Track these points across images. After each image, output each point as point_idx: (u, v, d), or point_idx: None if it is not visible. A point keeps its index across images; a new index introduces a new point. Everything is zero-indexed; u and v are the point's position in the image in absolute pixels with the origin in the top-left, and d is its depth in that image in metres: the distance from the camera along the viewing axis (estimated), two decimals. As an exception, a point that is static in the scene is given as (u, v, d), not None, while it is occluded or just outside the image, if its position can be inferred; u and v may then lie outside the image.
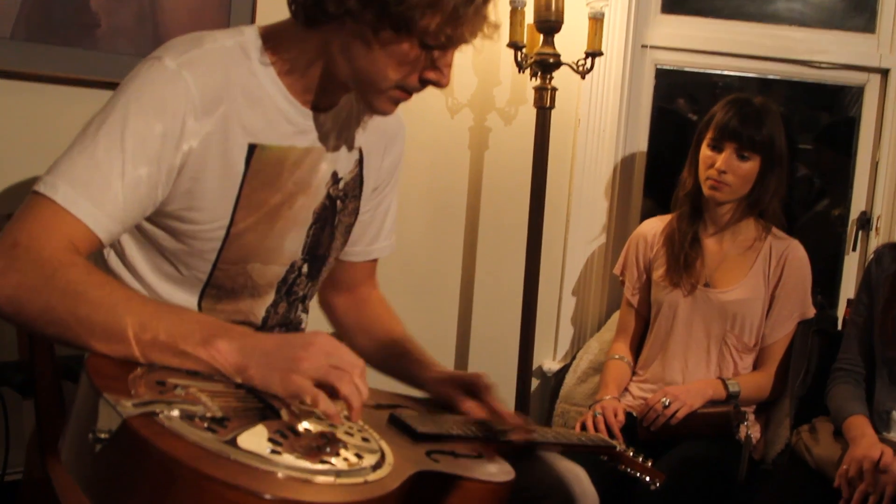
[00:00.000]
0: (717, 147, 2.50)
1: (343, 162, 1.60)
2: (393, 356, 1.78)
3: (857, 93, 3.19)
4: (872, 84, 3.14)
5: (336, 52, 1.42)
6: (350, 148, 1.61)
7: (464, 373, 1.67)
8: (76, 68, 2.31)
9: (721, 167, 2.47)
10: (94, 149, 1.30)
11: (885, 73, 3.11)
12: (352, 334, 1.87)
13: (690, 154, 2.60)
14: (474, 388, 1.62)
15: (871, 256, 2.45)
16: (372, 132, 1.66)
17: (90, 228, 1.29)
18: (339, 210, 1.63)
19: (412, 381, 1.74)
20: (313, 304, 1.84)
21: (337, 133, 1.57)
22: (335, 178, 1.59)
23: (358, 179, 1.66)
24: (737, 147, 2.46)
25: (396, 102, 1.47)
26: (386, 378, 1.79)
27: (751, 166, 2.47)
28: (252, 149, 1.44)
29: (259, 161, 1.45)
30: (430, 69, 1.41)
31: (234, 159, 1.43)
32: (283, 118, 1.47)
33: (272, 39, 1.46)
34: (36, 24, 2.25)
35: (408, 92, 1.45)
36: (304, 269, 1.61)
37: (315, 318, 1.81)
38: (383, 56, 1.37)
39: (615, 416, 2.44)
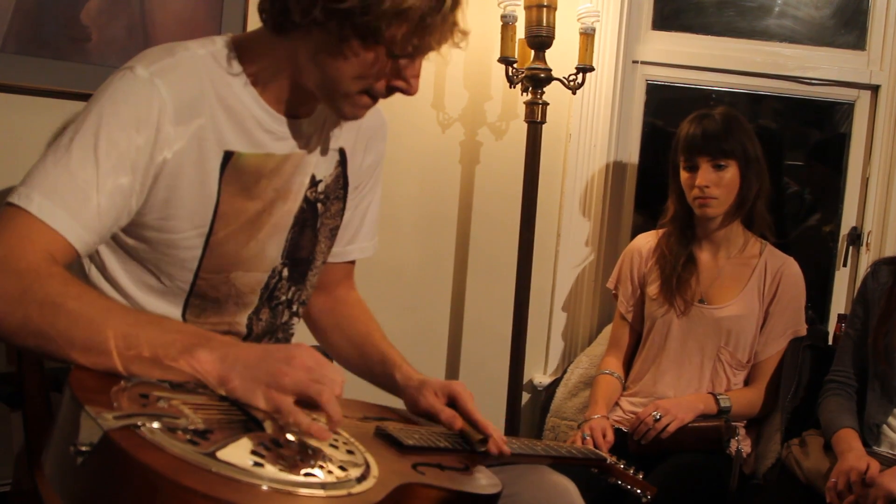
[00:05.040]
0: (691, 167, 2.51)
1: (323, 165, 1.60)
2: (372, 361, 1.76)
3: (847, 109, 3.20)
4: (863, 100, 3.15)
5: (304, 60, 1.42)
6: (330, 150, 1.61)
7: (443, 381, 1.63)
8: (67, 81, 2.31)
9: (702, 183, 2.47)
10: (68, 160, 1.30)
11: (875, 89, 3.13)
12: (328, 334, 1.85)
13: (670, 181, 2.61)
14: (454, 397, 1.60)
15: (867, 270, 2.45)
16: (352, 131, 1.66)
17: (67, 239, 1.28)
18: (320, 213, 1.62)
19: (390, 386, 1.71)
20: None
21: (316, 138, 1.57)
22: (313, 181, 1.59)
23: (341, 180, 1.66)
24: (710, 159, 2.47)
25: (365, 108, 1.47)
26: (365, 385, 1.78)
27: (731, 174, 2.48)
28: (228, 156, 1.44)
29: (235, 168, 1.45)
30: (397, 78, 1.41)
31: (210, 167, 1.43)
32: (259, 126, 1.47)
33: (244, 48, 1.47)
34: (26, 37, 2.25)
35: (374, 98, 1.45)
36: (285, 273, 1.61)
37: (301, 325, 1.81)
38: (350, 64, 1.37)
39: (604, 436, 2.44)
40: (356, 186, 1.73)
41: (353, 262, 1.86)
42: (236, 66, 1.45)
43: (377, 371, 1.74)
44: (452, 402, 1.60)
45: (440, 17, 1.35)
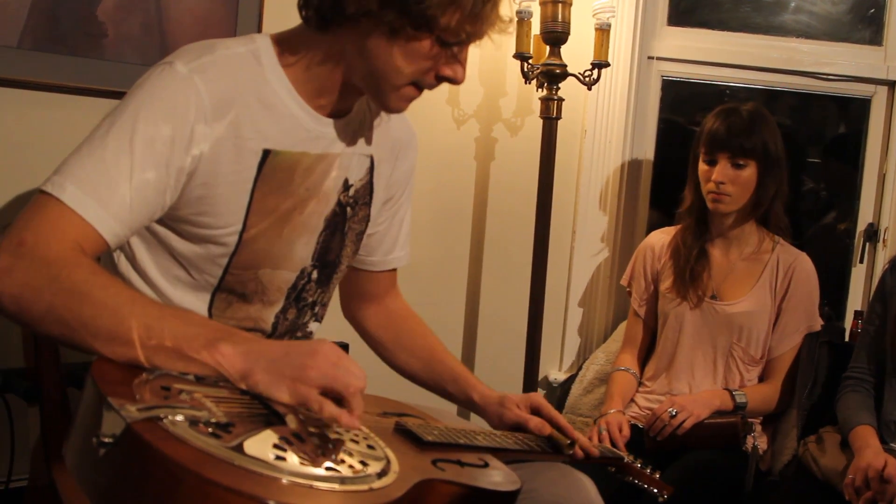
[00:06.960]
0: (711, 160, 2.49)
1: (355, 169, 1.60)
2: (442, 378, 1.84)
3: (863, 104, 3.18)
4: (879, 96, 3.14)
5: (351, 54, 1.42)
6: (362, 155, 1.61)
7: (522, 394, 1.77)
8: (83, 77, 2.31)
9: (718, 179, 2.46)
10: (103, 151, 1.30)
11: (892, 84, 3.11)
12: (392, 351, 1.90)
13: (689, 171, 2.60)
14: (538, 407, 1.74)
15: (885, 267, 2.44)
16: (383, 140, 1.66)
17: (97, 230, 1.28)
18: (349, 217, 1.63)
19: (466, 404, 1.82)
20: (336, 316, 1.86)
21: (349, 140, 1.57)
22: (346, 184, 1.59)
23: (368, 187, 1.66)
24: (730, 156, 2.46)
25: (409, 100, 1.47)
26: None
27: (748, 173, 2.47)
28: (266, 154, 1.44)
29: (272, 166, 1.45)
30: (446, 65, 1.42)
31: (247, 164, 1.43)
32: (297, 124, 1.47)
33: (284, 46, 1.47)
34: (43, 34, 2.25)
35: (421, 89, 1.45)
36: (314, 275, 1.61)
37: (330, 327, 1.81)
38: (401, 54, 1.38)
39: (620, 430, 2.43)
40: (389, 197, 1.75)
41: (394, 270, 1.89)
42: (276, 64, 1.45)
43: (450, 388, 1.84)
44: (536, 411, 1.74)
45: (490, 4, 1.36)
